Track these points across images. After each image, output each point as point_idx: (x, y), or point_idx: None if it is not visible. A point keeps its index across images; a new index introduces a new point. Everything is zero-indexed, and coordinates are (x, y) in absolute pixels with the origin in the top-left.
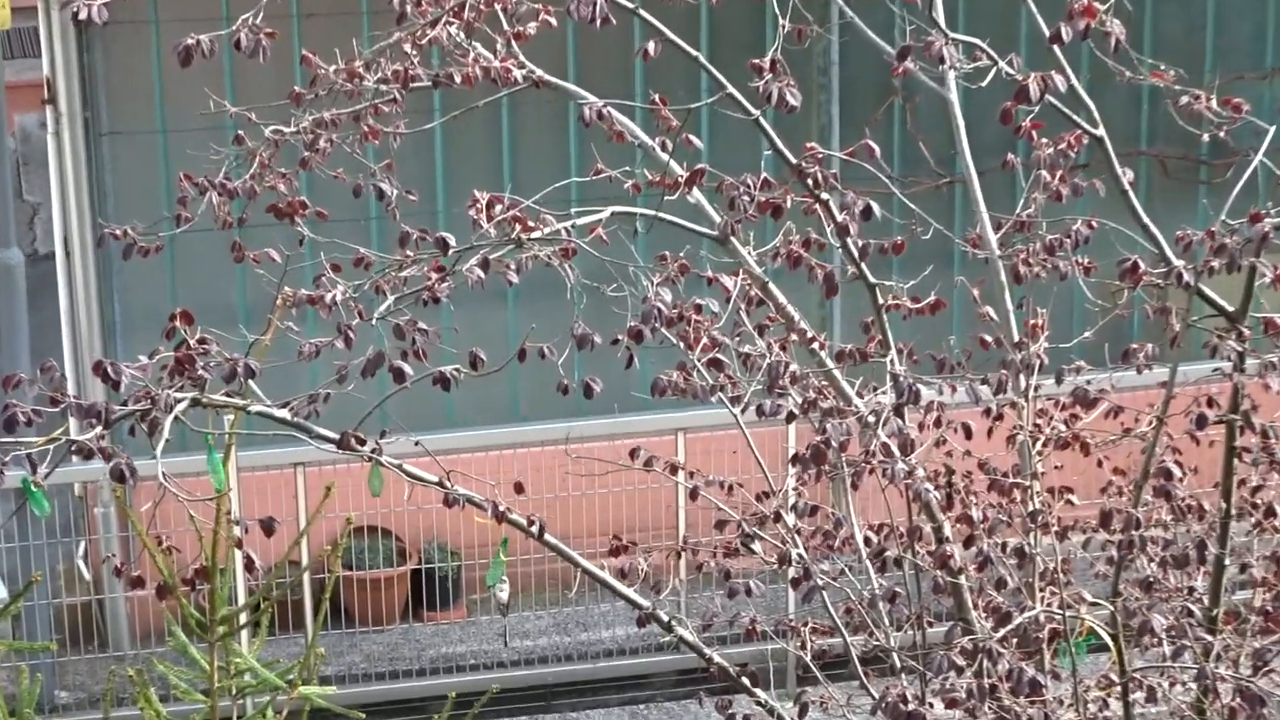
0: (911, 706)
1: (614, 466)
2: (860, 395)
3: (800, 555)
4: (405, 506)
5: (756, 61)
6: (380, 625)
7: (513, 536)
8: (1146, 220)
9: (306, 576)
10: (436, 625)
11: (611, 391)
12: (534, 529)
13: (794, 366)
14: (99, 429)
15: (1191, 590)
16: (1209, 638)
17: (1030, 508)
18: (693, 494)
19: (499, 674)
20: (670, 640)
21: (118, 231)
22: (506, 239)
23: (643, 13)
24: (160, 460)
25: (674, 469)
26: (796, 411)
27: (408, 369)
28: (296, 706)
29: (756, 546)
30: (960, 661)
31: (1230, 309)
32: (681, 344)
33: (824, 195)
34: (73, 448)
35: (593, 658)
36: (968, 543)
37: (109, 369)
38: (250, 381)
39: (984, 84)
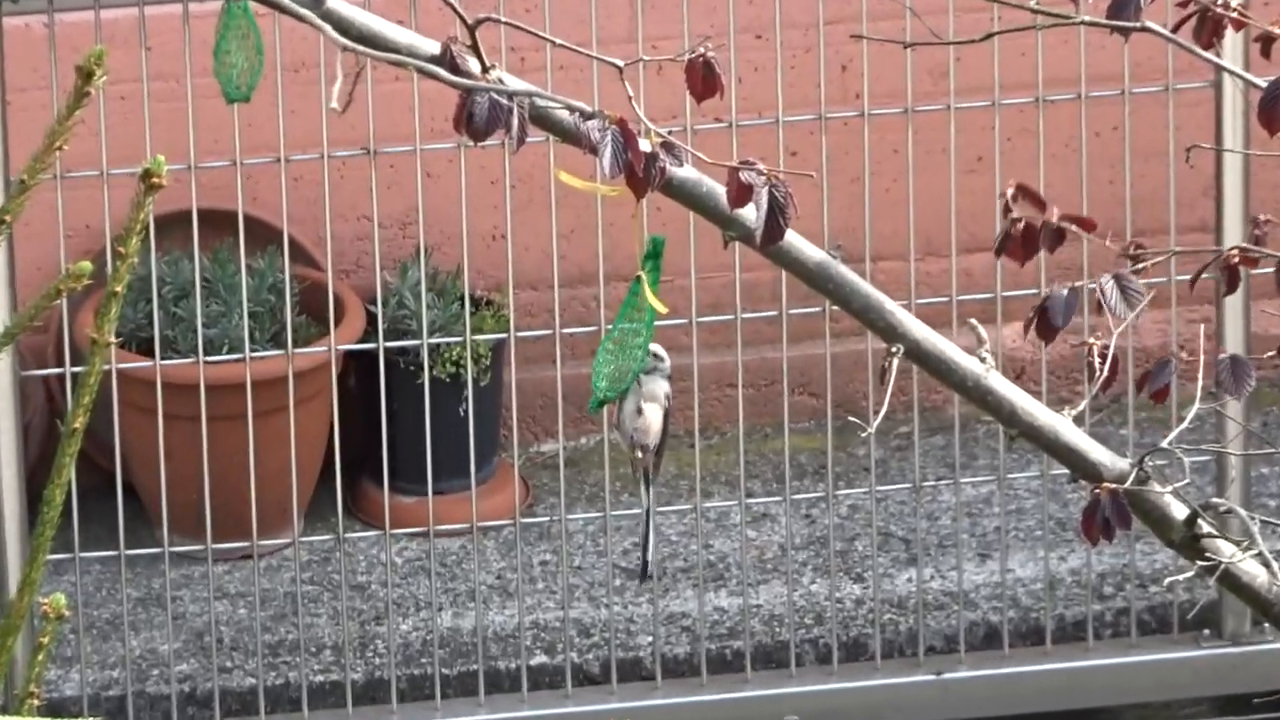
0: None
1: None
2: None
3: None
4: (330, 150)
5: None
6: (240, 539)
7: (676, 235)
8: None
9: (7, 358)
10: (431, 539)
11: None
12: (757, 219)
13: None
14: None
15: None
16: None
17: None
18: None
19: (625, 704)
20: (1189, 577)
21: None
22: None
23: None
24: None
25: (1210, 25)
26: None
27: None
28: None
29: None
30: None
31: None
32: None
33: None
34: None
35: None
36: None
37: None
38: None
39: None
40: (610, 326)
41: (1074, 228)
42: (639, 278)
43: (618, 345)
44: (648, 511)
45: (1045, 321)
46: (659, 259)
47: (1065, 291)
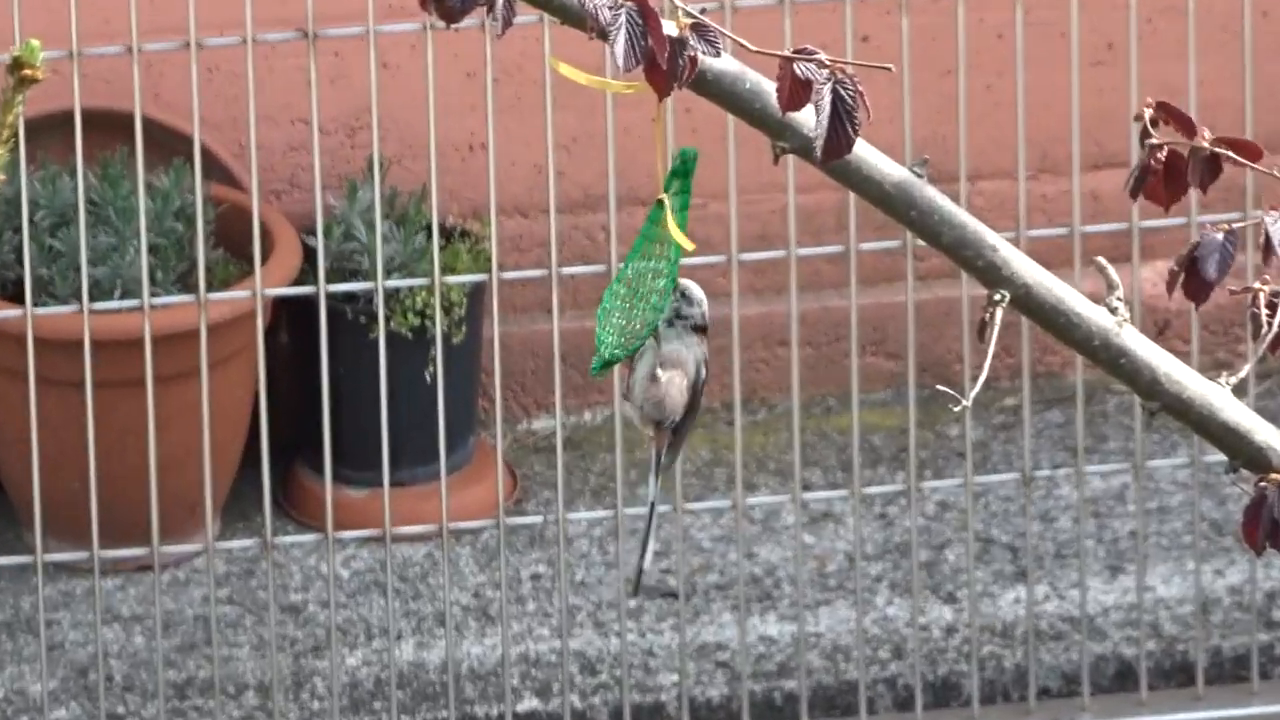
0: None
1: None
2: None
3: None
4: (255, 32)
5: None
6: (137, 545)
7: (711, 146)
8: None
9: None
10: (388, 546)
11: None
12: (817, 125)
13: None
14: None
15: None
16: None
17: None
18: None
19: None
20: None
21: None
22: None
23: None
24: None
25: None
26: None
27: None
28: None
29: None
30: None
31: None
32: None
33: None
34: None
35: None
36: None
37: None
38: None
39: None
40: (622, 265)
41: (1232, 155)
42: (660, 202)
43: (631, 289)
44: (651, 508)
45: (1195, 276)
46: (689, 178)
47: (1220, 236)
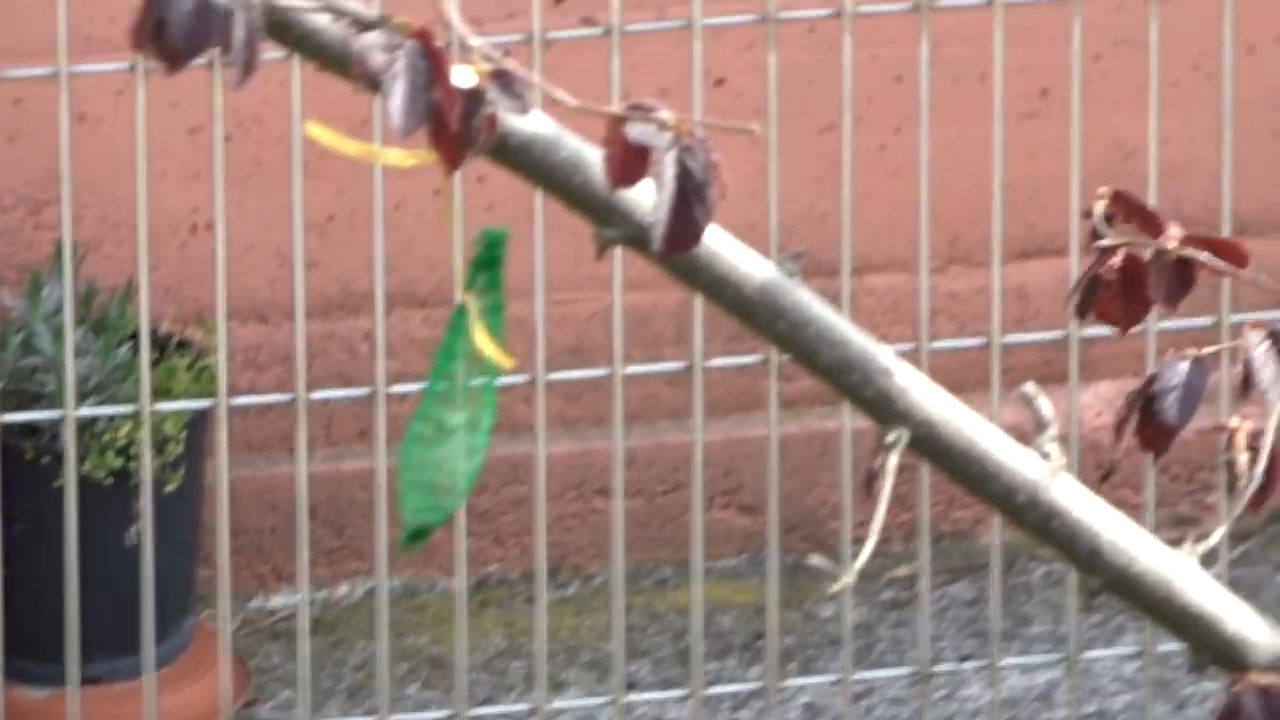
0: None
1: None
2: None
3: None
4: None
5: None
6: None
7: (512, 228)
8: None
9: None
10: None
11: None
12: (656, 207)
13: None
14: None
15: None
16: None
17: None
18: None
19: None
20: None
21: None
22: None
23: None
24: None
25: None
26: None
27: None
28: None
29: None
30: None
31: None
32: None
33: None
34: None
35: None
36: None
37: None
38: None
39: None
40: (423, 397)
41: (1208, 259)
42: (462, 308)
43: (436, 427)
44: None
45: (1153, 421)
46: (497, 268)
47: (1185, 365)
